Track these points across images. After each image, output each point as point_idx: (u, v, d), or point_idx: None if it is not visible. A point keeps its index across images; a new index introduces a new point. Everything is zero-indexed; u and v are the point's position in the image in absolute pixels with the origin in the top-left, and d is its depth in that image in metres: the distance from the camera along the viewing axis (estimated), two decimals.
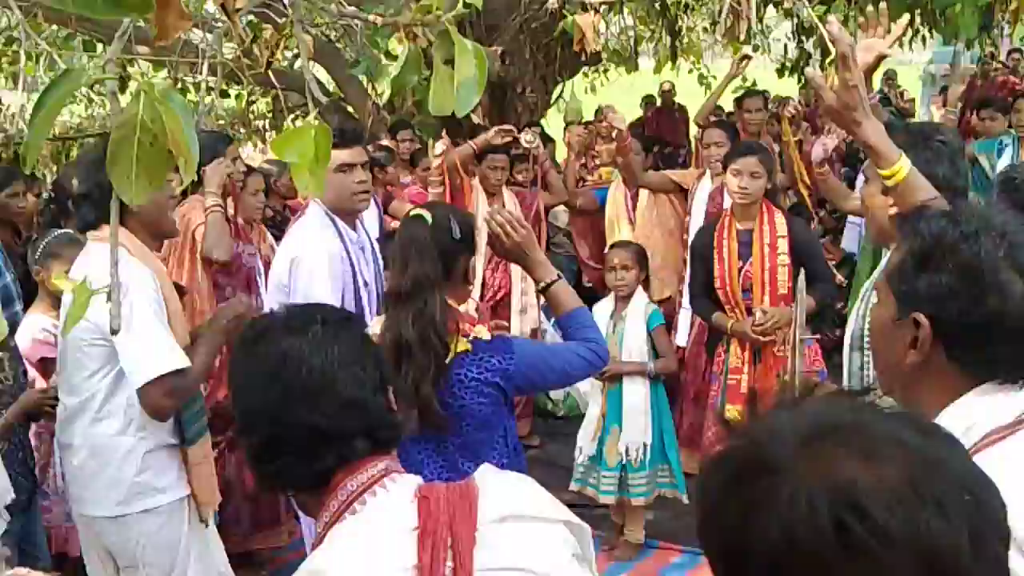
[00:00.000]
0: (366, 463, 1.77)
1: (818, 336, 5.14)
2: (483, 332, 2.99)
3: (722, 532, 1.03)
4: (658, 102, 14.33)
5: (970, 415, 1.66)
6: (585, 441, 5.21)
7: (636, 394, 5.13)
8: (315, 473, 1.77)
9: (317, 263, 3.89)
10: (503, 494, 1.73)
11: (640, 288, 5.27)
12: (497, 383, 2.93)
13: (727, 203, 5.89)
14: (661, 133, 13.05)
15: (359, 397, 1.79)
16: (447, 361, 2.90)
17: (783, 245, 5.02)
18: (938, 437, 1.04)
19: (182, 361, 3.23)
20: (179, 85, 9.10)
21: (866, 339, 2.97)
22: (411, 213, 3.08)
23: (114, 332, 1.41)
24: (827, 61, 5.60)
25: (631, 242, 5.69)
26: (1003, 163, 7.26)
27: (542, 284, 3.11)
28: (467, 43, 1.58)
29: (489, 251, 6.34)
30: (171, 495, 3.41)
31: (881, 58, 3.21)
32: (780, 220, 5.08)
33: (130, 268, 3.12)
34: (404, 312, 2.90)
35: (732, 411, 4.99)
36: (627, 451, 5.07)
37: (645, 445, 5.08)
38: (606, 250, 5.55)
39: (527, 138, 6.79)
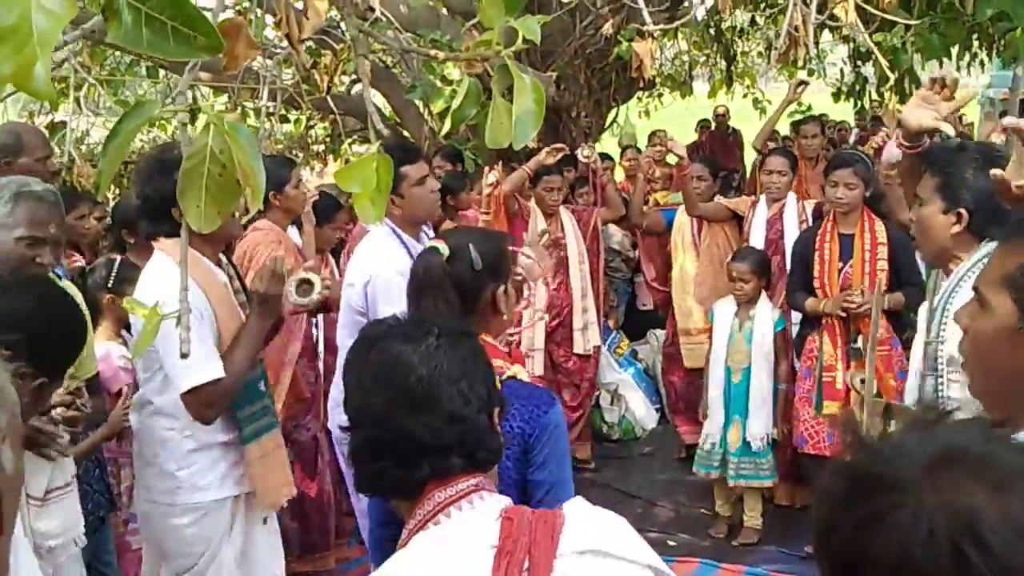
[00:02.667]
0: (459, 478, 1.79)
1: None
2: (521, 372, 2.73)
3: (838, 540, 1.03)
4: (712, 126, 14.32)
5: None
6: (712, 429, 5.67)
7: (764, 391, 5.59)
8: (410, 481, 1.79)
9: (392, 281, 3.93)
10: (589, 528, 1.72)
11: (764, 294, 5.65)
12: (523, 435, 2.59)
13: (788, 230, 5.97)
14: (715, 157, 13.05)
15: (462, 413, 1.81)
16: None
17: (883, 251, 5.27)
18: None
19: (216, 371, 3.30)
20: (239, 110, 9.25)
21: (940, 362, 2.96)
22: (428, 245, 2.88)
23: (184, 356, 1.45)
24: (886, 86, 5.58)
25: (753, 250, 5.92)
26: None
27: None
28: (526, 77, 1.61)
29: (554, 272, 6.40)
30: (213, 494, 3.49)
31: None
32: (880, 227, 5.31)
33: (173, 280, 3.18)
34: None
35: (831, 407, 5.28)
36: (752, 439, 5.54)
37: (769, 435, 5.56)
38: (728, 261, 5.84)
39: (584, 153, 6.83)
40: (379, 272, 4.07)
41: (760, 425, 5.52)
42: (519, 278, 3.35)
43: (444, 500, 1.77)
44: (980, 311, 1.80)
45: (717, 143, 13.55)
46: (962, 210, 2.99)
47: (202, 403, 3.32)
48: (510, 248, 2.99)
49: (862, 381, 4.27)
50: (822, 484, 1.09)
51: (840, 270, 5.31)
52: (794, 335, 5.70)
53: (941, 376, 2.97)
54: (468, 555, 1.68)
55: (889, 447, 1.05)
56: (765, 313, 5.61)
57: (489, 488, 1.83)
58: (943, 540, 0.93)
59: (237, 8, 7.51)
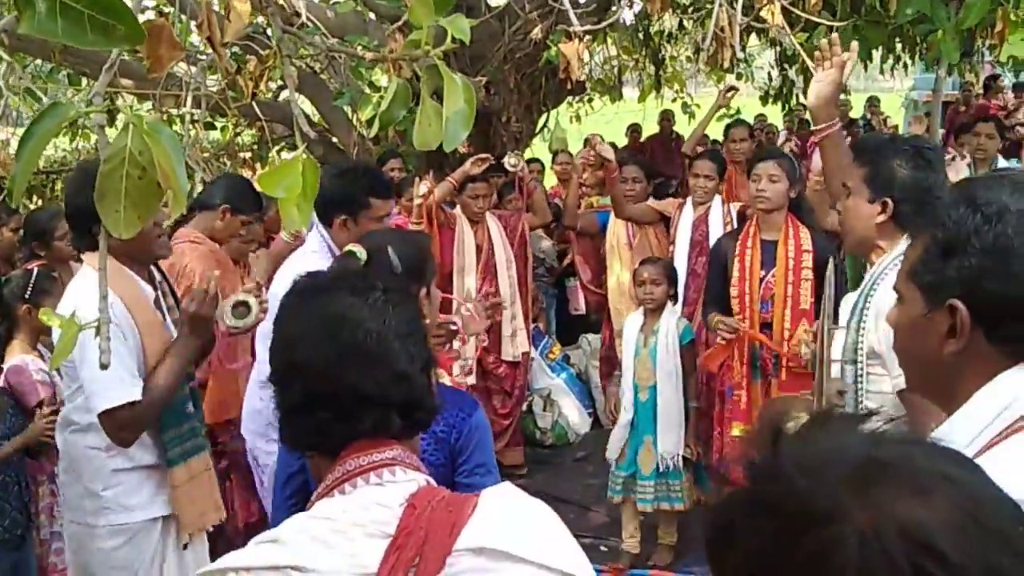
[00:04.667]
0: (380, 445, 1.74)
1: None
2: (444, 377, 2.81)
3: None
4: (643, 130, 14.39)
5: (1008, 391, 1.66)
6: (614, 452, 5.43)
7: (672, 408, 5.32)
8: (347, 436, 1.75)
9: None
10: (496, 522, 1.61)
11: (669, 303, 5.43)
12: (448, 439, 2.65)
13: (713, 232, 5.94)
14: (656, 163, 13.10)
15: (407, 371, 1.78)
16: None
17: (807, 260, 5.00)
18: (975, 468, 1.02)
19: (133, 394, 3.22)
20: (164, 117, 9.11)
21: (860, 352, 2.97)
22: (345, 250, 2.88)
23: (104, 367, 1.40)
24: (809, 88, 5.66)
25: (660, 258, 5.83)
26: None
27: None
28: (456, 77, 1.58)
29: (481, 275, 6.38)
30: (140, 515, 3.42)
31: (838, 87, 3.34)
32: (805, 234, 5.04)
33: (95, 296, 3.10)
34: None
35: (737, 428, 5.09)
36: (661, 459, 5.30)
37: (679, 455, 5.31)
38: (636, 266, 5.70)
39: (511, 161, 6.83)
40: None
41: (671, 443, 5.30)
42: (454, 327, 3.32)
43: (354, 468, 1.71)
44: (900, 306, 1.89)
45: (660, 148, 13.60)
46: (887, 200, 3.02)
47: (117, 425, 3.25)
48: (451, 297, 2.97)
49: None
50: (739, 526, 1.03)
51: (762, 279, 5.05)
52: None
53: (861, 366, 2.98)
54: (360, 540, 1.62)
55: (798, 472, 1.00)
56: (670, 327, 5.37)
57: (407, 462, 1.76)
58: (901, 559, 0.90)
59: (158, 9, 7.39)
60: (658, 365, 5.33)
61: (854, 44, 3.49)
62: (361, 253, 2.77)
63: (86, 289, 3.20)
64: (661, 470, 5.31)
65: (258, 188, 2.62)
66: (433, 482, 1.77)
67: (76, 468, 3.42)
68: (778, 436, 1.05)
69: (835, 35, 3.33)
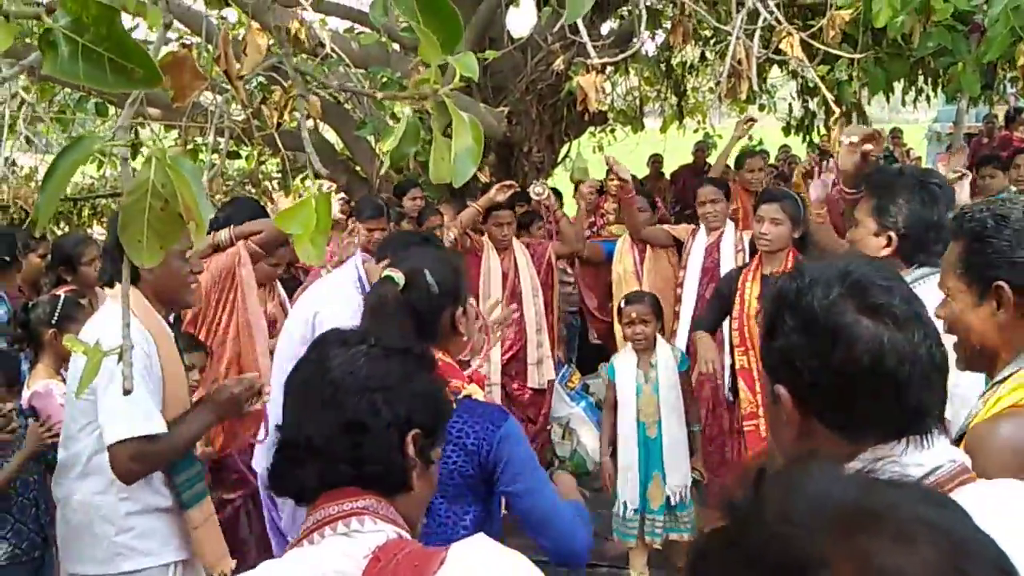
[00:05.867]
0: (350, 495, 1.72)
1: None
2: (476, 392, 2.78)
3: None
4: (664, 160, 14.42)
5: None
6: (630, 496, 5.35)
7: (678, 441, 5.30)
8: (300, 484, 1.75)
9: (341, 317, 3.88)
10: None
11: (659, 337, 5.36)
12: (479, 451, 2.66)
13: (724, 258, 5.96)
14: (687, 194, 13.11)
15: (364, 423, 1.74)
16: None
17: None
18: (957, 510, 0.99)
19: (155, 428, 3.19)
20: (189, 146, 9.22)
21: None
22: (383, 275, 2.87)
23: (127, 392, 1.44)
24: (831, 120, 5.69)
25: (645, 293, 5.71)
26: None
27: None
28: (464, 115, 1.62)
29: (507, 302, 6.41)
30: (156, 559, 3.36)
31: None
32: None
33: (135, 331, 3.12)
34: None
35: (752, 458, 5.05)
36: (672, 493, 5.28)
37: (687, 486, 5.31)
38: (621, 304, 5.55)
39: (536, 190, 6.88)
40: (328, 307, 4.02)
41: (679, 477, 5.29)
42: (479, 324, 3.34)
43: (324, 518, 1.70)
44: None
45: (692, 179, 13.60)
46: (892, 233, 3.05)
47: (128, 456, 3.16)
48: (473, 308, 3.01)
49: None
50: (714, 570, 1.00)
51: (759, 312, 4.93)
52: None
53: None
54: None
55: (778, 518, 0.96)
56: (666, 359, 5.32)
57: (380, 512, 1.72)
58: None
59: (181, 42, 7.50)
60: (662, 399, 5.30)
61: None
62: (399, 278, 2.78)
63: (112, 318, 3.23)
64: (672, 503, 5.29)
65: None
66: (405, 534, 1.73)
67: (85, 514, 3.35)
68: (761, 477, 1.02)
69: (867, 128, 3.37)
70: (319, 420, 1.74)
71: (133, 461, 3.18)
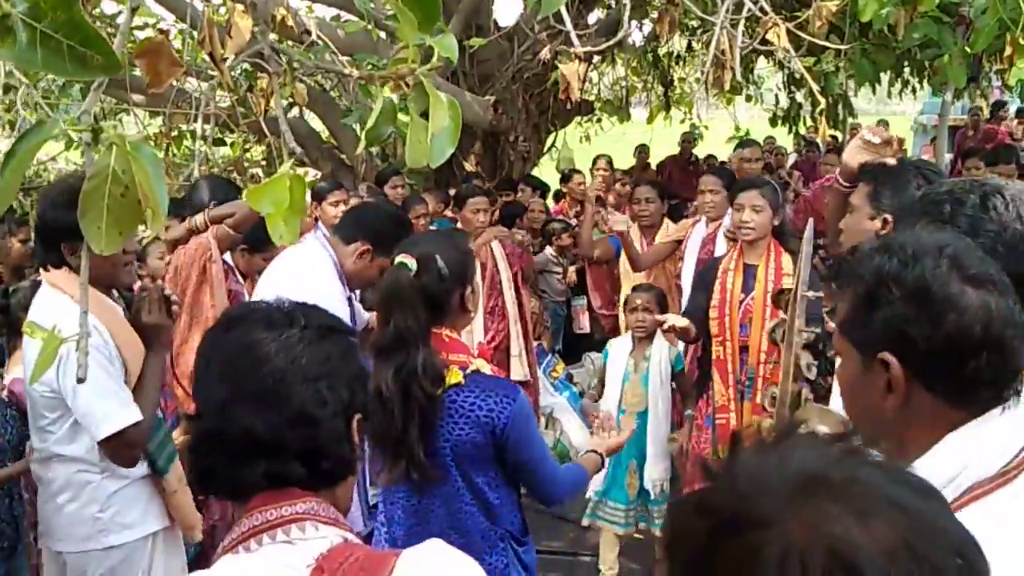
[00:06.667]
0: (290, 497, 1.59)
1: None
2: (484, 366, 2.96)
3: None
4: (650, 151, 14.41)
5: (956, 458, 1.59)
6: (598, 482, 5.24)
7: (660, 433, 5.25)
8: (241, 483, 1.60)
9: (334, 301, 3.90)
10: None
11: (659, 330, 5.27)
12: (491, 424, 2.87)
13: (718, 250, 5.90)
14: (673, 184, 13.10)
15: (313, 415, 1.61)
16: (440, 393, 2.87)
17: (787, 284, 4.74)
18: (930, 496, 1.00)
19: (134, 415, 3.21)
20: (175, 133, 9.17)
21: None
22: (395, 260, 3.00)
23: (80, 381, 1.41)
24: (816, 111, 5.68)
25: (652, 285, 5.75)
26: None
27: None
28: (440, 95, 1.60)
29: (487, 292, 6.39)
30: (138, 531, 3.40)
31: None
32: (787, 259, 4.94)
33: (72, 319, 3.11)
34: (386, 365, 2.87)
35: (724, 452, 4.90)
36: (652, 486, 5.20)
37: (668, 480, 5.24)
38: (627, 293, 5.57)
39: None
40: (309, 294, 4.00)
41: (660, 470, 5.22)
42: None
43: (261, 524, 1.57)
44: (840, 363, 1.82)
45: (678, 169, 13.58)
46: (887, 215, 3.03)
47: (124, 446, 3.21)
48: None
49: (773, 397, 4.04)
50: (676, 523, 1.04)
51: (741, 302, 4.93)
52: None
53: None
54: None
55: (745, 478, 1.00)
56: (662, 355, 5.31)
57: (322, 516, 1.61)
58: (817, 575, 0.90)
59: (158, 28, 7.45)
60: (650, 392, 5.27)
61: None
62: (412, 264, 2.93)
63: (56, 308, 3.17)
64: (653, 497, 5.22)
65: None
66: (352, 538, 1.63)
67: (67, 495, 3.35)
68: (737, 444, 1.06)
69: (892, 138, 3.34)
70: (260, 412, 1.59)
71: (130, 448, 3.25)
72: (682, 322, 4.87)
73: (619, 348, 5.46)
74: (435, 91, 1.61)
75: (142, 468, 3.42)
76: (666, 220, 7.03)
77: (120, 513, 3.37)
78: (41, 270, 3.40)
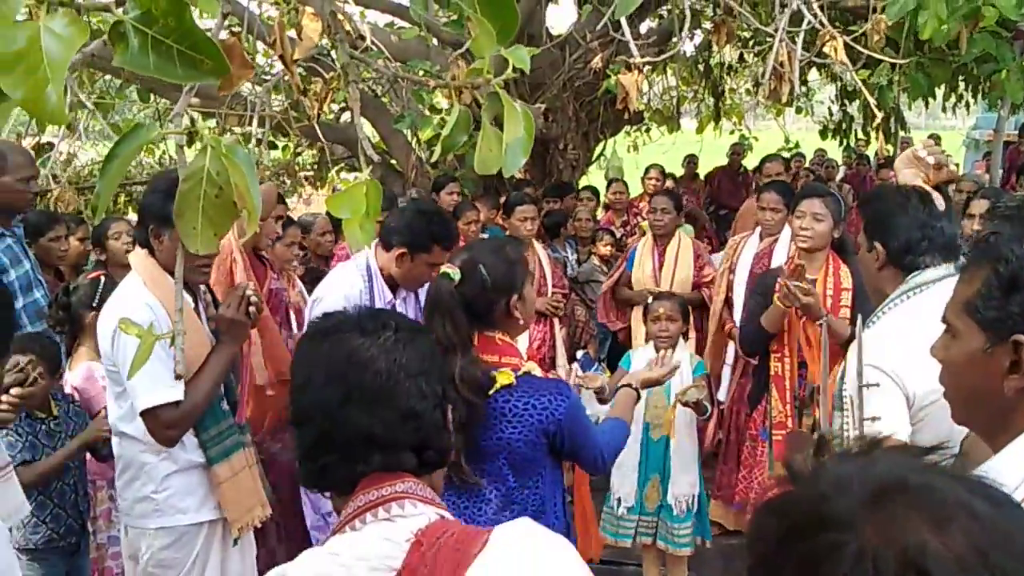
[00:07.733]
0: (389, 478, 1.72)
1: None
2: (535, 369, 3.01)
3: None
4: (699, 161, 14.37)
5: None
6: (625, 492, 5.14)
7: (688, 447, 5.10)
8: (356, 478, 1.73)
9: (332, 304, 3.89)
10: (503, 562, 1.56)
11: (682, 339, 5.25)
12: (544, 424, 2.91)
13: (775, 264, 5.82)
14: (722, 195, 13.04)
15: (418, 409, 1.76)
16: (482, 399, 2.90)
17: (846, 298, 4.84)
18: (1008, 506, 1.00)
19: (174, 395, 3.31)
20: (228, 135, 9.27)
21: (845, 399, 2.85)
22: (441, 272, 3.07)
23: (179, 377, 1.46)
24: (872, 125, 5.64)
25: (675, 294, 5.70)
26: None
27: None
28: (516, 105, 1.63)
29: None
30: (192, 517, 3.51)
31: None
32: (845, 272, 4.88)
33: (137, 300, 3.35)
34: None
35: (780, 467, 4.79)
36: (676, 502, 5.06)
37: (694, 496, 5.08)
38: (648, 302, 5.45)
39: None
40: (325, 294, 4.16)
41: (686, 485, 5.05)
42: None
43: (366, 504, 1.69)
44: (951, 340, 1.85)
45: (727, 180, 13.53)
46: (877, 244, 3.01)
47: (161, 424, 3.34)
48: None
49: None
50: (757, 522, 1.06)
51: (801, 317, 4.76)
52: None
53: (845, 414, 2.92)
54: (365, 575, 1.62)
55: (826, 481, 1.02)
56: (684, 364, 4.99)
57: (422, 495, 1.73)
58: None
59: (229, 29, 7.56)
60: (669, 403, 4.98)
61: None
62: (455, 273, 2.99)
63: (129, 294, 3.41)
64: (675, 513, 5.07)
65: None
66: (448, 515, 1.74)
67: (130, 473, 3.51)
68: (822, 446, 1.09)
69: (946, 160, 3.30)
70: (374, 412, 1.73)
71: (168, 428, 3.36)
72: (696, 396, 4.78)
73: (641, 358, 5.21)
74: (511, 102, 1.64)
75: (198, 456, 3.53)
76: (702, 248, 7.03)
77: (175, 496, 3.49)
78: (130, 253, 3.58)
